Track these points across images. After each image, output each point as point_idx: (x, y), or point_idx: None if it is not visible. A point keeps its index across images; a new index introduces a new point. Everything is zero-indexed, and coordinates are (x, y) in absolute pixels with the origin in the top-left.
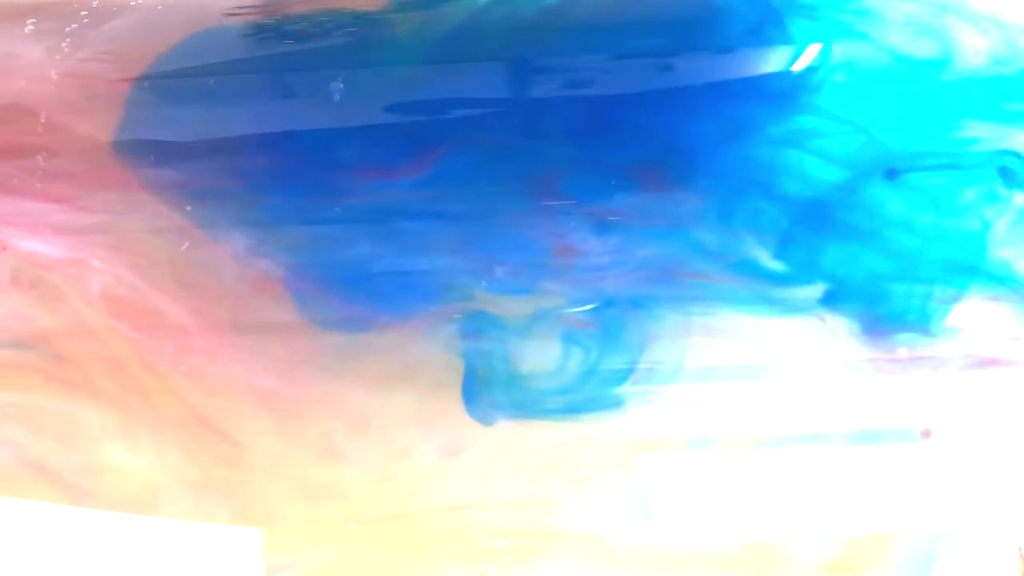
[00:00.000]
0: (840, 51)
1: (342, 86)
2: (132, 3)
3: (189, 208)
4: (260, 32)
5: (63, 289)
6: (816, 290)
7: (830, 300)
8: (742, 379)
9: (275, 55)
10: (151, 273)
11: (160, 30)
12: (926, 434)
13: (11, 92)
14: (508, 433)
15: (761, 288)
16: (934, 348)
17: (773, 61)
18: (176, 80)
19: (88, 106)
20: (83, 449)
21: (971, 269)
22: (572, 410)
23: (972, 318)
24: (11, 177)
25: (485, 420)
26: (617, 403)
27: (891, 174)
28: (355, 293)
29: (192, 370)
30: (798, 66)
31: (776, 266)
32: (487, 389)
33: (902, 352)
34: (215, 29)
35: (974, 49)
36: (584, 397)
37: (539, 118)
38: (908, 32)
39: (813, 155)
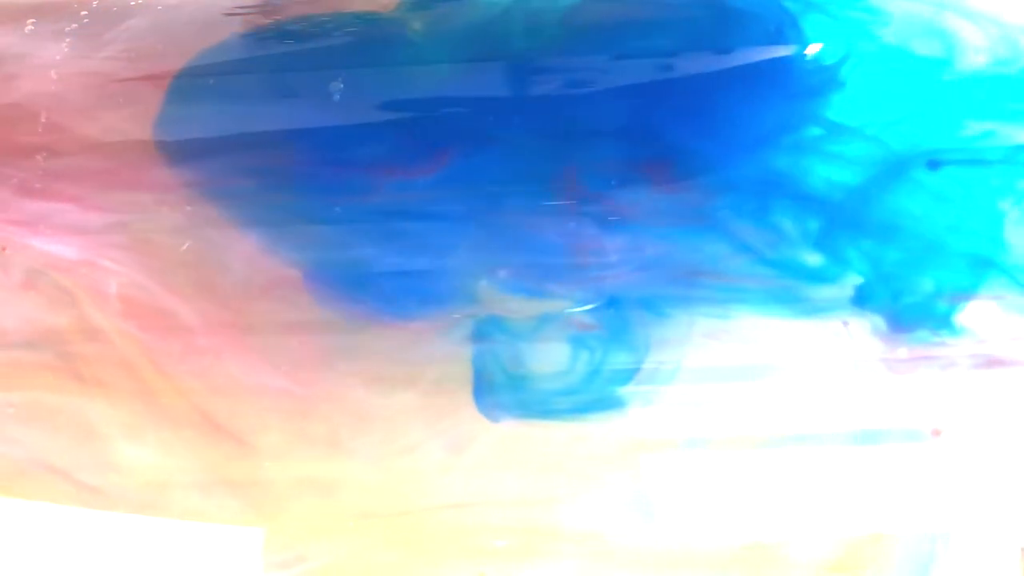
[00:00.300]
0: (857, 48)
1: (342, 86)
2: (132, 3)
3: (190, 208)
4: (272, 34)
5: (72, 289)
6: (839, 290)
7: (859, 298)
8: (746, 379)
9: (285, 55)
10: (160, 273)
11: (162, 30)
12: (936, 433)
13: (11, 92)
14: (510, 432)
15: (781, 289)
16: (943, 348)
17: (788, 60)
18: (187, 80)
19: (89, 106)
20: (92, 448)
21: (990, 264)
22: (577, 410)
23: (982, 317)
24: (11, 177)
25: (493, 418)
26: (620, 403)
27: (933, 164)
28: (364, 292)
29: (200, 369)
30: (813, 65)
31: (799, 266)
32: (494, 389)
33: (902, 352)
34: (237, 37)
35: (975, 48)
36: (590, 398)
37: (555, 117)
38: (917, 30)
39: (832, 152)
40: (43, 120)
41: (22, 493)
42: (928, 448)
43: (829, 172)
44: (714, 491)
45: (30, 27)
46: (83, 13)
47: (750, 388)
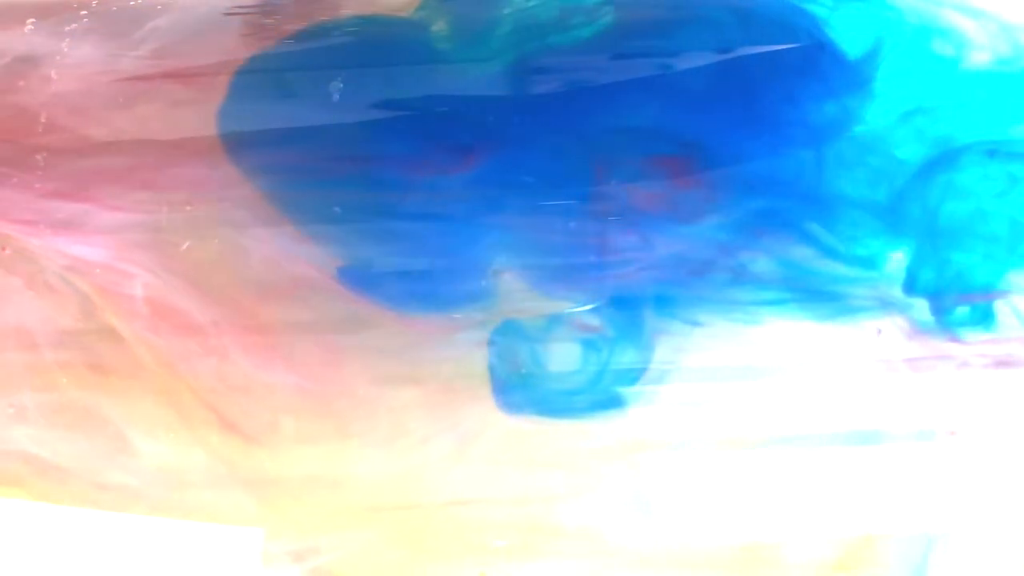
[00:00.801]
0: (880, 45)
1: (342, 86)
2: (131, 3)
3: (189, 208)
4: (291, 37)
5: (87, 290)
6: (870, 291)
7: (907, 285)
8: (748, 379)
9: (300, 54)
10: (174, 273)
11: (162, 29)
12: (951, 434)
13: (11, 92)
14: (513, 430)
15: (805, 291)
16: (958, 347)
17: (813, 58)
18: (243, 77)
19: (89, 106)
20: (108, 448)
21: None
22: (583, 410)
23: (998, 316)
24: (11, 177)
25: (510, 414)
26: (626, 403)
27: (992, 153)
28: (375, 291)
29: (212, 367)
30: (838, 62)
31: (825, 269)
32: (508, 388)
33: (919, 351)
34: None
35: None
36: (599, 397)
37: (585, 116)
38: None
39: (855, 150)
40: (43, 120)
41: (33, 493)
42: (937, 448)
43: (853, 171)
44: (717, 491)
45: (30, 27)
46: (83, 13)
47: (752, 388)
